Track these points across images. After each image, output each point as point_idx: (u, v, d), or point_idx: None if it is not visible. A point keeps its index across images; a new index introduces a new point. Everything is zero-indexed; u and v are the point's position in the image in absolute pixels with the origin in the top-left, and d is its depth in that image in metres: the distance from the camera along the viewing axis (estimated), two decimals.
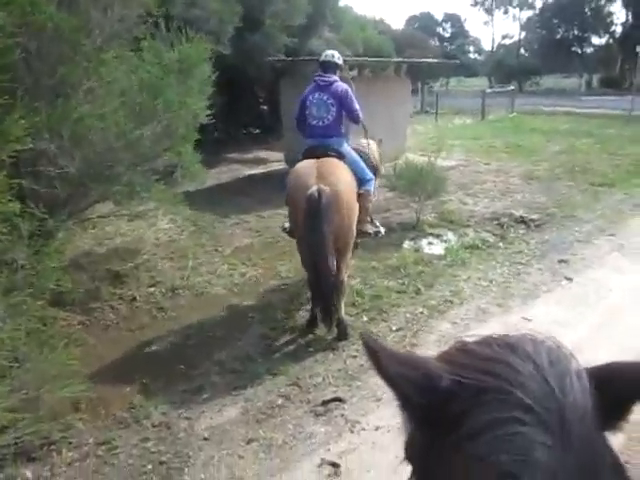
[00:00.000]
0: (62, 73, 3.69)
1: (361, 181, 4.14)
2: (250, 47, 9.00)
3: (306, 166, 3.83)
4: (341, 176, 3.75)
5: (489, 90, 22.23)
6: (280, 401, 3.13)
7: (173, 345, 3.83)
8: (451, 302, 4.29)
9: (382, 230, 4.83)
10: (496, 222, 6.33)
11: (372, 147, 4.92)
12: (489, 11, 46.83)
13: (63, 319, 4.16)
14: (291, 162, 9.25)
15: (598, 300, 4.26)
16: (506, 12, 46.26)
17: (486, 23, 57.05)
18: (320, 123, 4.11)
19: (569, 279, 4.69)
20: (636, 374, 0.55)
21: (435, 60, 15.61)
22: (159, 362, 3.62)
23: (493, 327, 3.83)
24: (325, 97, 4.11)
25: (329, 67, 4.30)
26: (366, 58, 10.82)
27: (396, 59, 12.93)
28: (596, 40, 40.25)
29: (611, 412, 0.54)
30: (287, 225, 4.29)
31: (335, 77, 4.26)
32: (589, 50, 40.49)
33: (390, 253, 5.36)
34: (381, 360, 0.57)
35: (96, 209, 5.34)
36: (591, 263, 5.06)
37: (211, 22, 7.66)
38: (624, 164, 9.69)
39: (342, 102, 4.13)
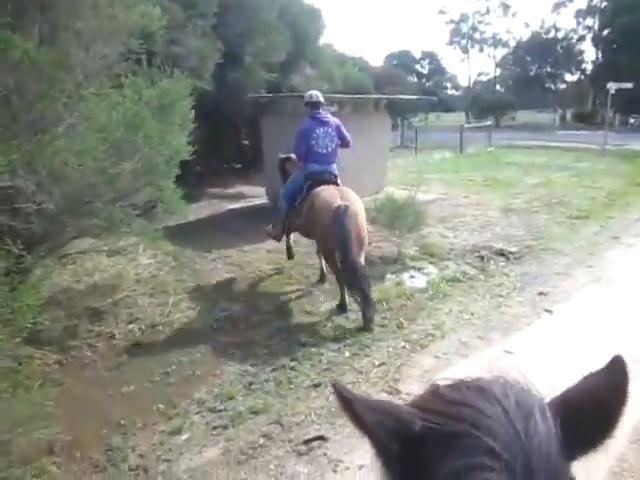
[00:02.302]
0: (41, 109, 3.69)
1: None
2: (231, 83, 9.12)
3: (330, 190, 4.91)
4: (357, 201, 4.84)
5: (467, 125, 22.75)
6: (262, 441, 3.06)
7: (152, 384, 3.74)
8: (433, 336, 4.28)
9: None
10: (476, 255, 6.39)
11: None
12: (465, 49, 48.29)
13: (39, 358, 4.06)
14: (272, 196, 9.36)
15: (578, 332, 4.29)
16: (481, 50, 47.79)
17: (462, 60, 58.85)
18: (325, 151, 5.18)
19: (549, 311, 4.73)
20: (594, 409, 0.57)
21: (413, 97, 15.94)
22: (137, 402, 3.53)
23: (475, 361, 3.83)
24: (329, 130, 5.21)
25: (319, 105, 5.33)
26: (346, 95, 11.03)
27: (375, 95, 13.20)
28: (568, 77, 41.72)
29: (583, 441, 0.56)
30: (271, 228, 5.65)
31: (329, 114, 5.41)
32: (562, 86, 41.86)
33: (372, 286, 5.35)
34: (356, 409, 0.58)
35: (75, 245, 5.28)
36: (570, 295, 5.12)
37: (192, 59, 7.77)
38: (599, 197, 9.93)
39: (339, 133, 5.28)
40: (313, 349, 4.10)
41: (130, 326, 4.61)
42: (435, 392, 0.59)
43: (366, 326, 4.43)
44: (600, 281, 5.52)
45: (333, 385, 0.62)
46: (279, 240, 5.73)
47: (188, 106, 4.88)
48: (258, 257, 6.47)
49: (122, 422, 3.26)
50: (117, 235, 4.70)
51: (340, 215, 4.48)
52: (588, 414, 0.56)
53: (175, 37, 7.62)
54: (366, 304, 4.44)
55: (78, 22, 4.15)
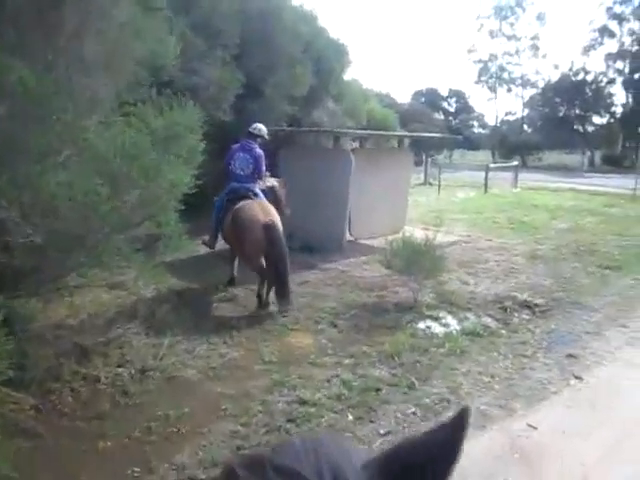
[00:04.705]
0: (34, 138, 3.45)
1: None
2: (251, 114, 8.92)
3: (252, 205, 5.90)
4: (275, 213, 5.90)
5: (492, 164, 22.33)
6: None
7: (131, 441, 3.37)
8: (448, 401, 3.83)
9: None
10: (499, 306, 5.94)
11: (275, 183, 7.01)
12: (492, 89, 48.10)
13: (14, 402, 3.73)
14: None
15: (611, 405, 3.81)
16: (509, 90, 47.48)
17: (489, 100, 58.46)
18: (242, 172, 6.28)
19: (579, 378, 4.25)
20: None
21: (437, 135, 15.72)
22: (111, 462, 3.17)
23: (494, 435, 3.38)
24: (248, 156, 6.32)
25: (253, 136, 6.50)
26: (368, 131, 10.81)
27: (398, 132, 12.98)
28: (597, 119, 41.07)
29: None
30: (207, 239, 6.59)
31: (256, 144, 6.44)
32: (591, 128, 41.20)
33: (384, 337, 4.96)
34: None
35: (74, 278, 5.01)
36: (602, 359, 4.62)
37: (211, 89, 7.61)
38: (631, 246, 9.37)
39: (256, 162, 6.34)
40: (313, 409, 3.69)
41: (119, 369, 4.27)
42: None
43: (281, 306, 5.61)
44: (635, 343, 5.02)
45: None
46: (212, 247, 6.65)
47: (197, 138, 4.63)
48: None
49: None
50: (112, 270, 4.43)
51: (271, 231, 5.52)
52: (417, 470, 0.52)
53: (195, 67, 7.48)
54: (286, 300, 5.59)
55: (82, 47, 3.95)
